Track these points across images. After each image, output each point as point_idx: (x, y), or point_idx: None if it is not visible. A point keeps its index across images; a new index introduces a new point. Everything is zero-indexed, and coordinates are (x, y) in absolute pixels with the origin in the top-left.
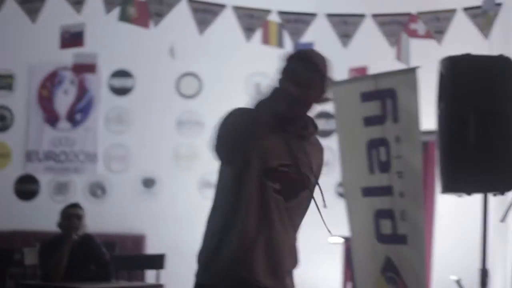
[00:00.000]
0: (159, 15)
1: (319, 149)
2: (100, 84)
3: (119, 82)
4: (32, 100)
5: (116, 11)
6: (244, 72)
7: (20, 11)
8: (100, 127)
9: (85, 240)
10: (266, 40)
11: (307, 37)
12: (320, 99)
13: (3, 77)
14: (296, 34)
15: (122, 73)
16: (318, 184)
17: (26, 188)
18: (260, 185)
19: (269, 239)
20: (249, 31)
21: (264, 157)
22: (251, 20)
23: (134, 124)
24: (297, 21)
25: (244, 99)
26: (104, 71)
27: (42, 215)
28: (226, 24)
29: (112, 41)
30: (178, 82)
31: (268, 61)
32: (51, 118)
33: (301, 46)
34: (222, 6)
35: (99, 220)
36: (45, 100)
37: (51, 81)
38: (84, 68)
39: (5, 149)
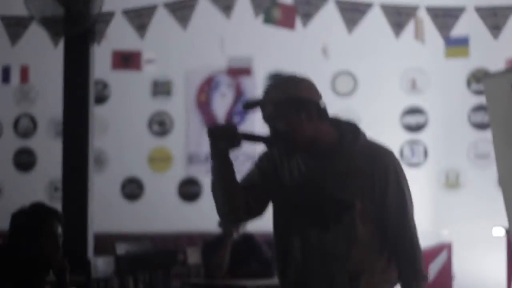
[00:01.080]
0: (308, 16)
1: (370, 161)
2: (256, 86)
3: None
4: (190, 105)
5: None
6: (399, 68)
7: (172, 18)
8: (257, 128)
9: (246, 239)
10: (417, 36)
11: (459, 31)
12: (297, 120)
13: (162, 83)
14: (445, 29)
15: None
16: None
17: (189, 190)
18: (285, 223)
19: (302, 275)
20: (398, 27)
21: (285, 196)
22: (399, 17)
23: None
24: (445, 15)
25: (400, 96)
26: (259, 73)
27: (206, 216)
28: (375, 21)
29: (265, 43)
30: (333, 81)
31: (422, 56)
32: (210, 121)
33: (453, 40)
34: (369, 5)
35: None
36: (203, 104)
37: (208, 85)
38: (240, 71)
39: (166, 153)
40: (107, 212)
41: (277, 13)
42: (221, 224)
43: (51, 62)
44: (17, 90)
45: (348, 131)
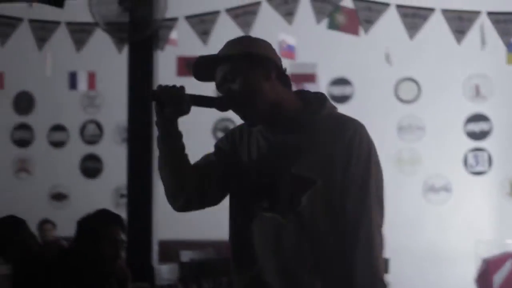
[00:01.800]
0: (369, 22)
1: (336, 132)
2: None
3: (339, 90)
4: None
5: (326, 20)
6: (462, 75)
7: (234, 25)
8: None
9: None
10: (480, 42)
11: None
12: (253, 79)
13: None
14: (507, 34)
15: (341, 81)
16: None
17: None
18: (243, 210)
19: (277, 265)
20: (459, 33)
21: (242, 176)
22: (461, 22)
23: None
24: (506, 21)
25: (463, 102)
26: (323, 80)
27: None
28: (437, 27)
29: (327, 50)
30: (396, 87)
31: (485, 62)
32: None
33: None
34: (431, 10)
35: None
36: None
37: None
38: (303, 78)
39: None
40: (171, 219)
41: (341, 19)
42: None
43: (117, 68)
44: (84, 96)
45: (314, 100)
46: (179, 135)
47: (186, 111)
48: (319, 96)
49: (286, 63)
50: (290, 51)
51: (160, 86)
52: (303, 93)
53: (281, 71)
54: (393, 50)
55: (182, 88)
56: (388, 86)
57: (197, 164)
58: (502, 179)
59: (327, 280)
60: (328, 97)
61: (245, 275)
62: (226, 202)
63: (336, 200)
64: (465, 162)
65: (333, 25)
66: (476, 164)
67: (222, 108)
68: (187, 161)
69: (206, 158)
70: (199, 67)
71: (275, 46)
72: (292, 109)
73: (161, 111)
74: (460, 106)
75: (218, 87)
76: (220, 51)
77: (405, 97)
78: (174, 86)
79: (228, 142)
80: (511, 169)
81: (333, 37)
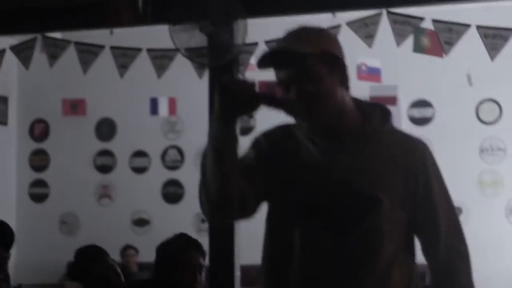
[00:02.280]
0: (449, 43)
1: (404, 149)
2: (400, 115)
3: (419, 112)
4: None
5: (408, 42)
6: None
7: None
8: None
9: None
10: None
11: None
12: (330, 83)
13: None
14: None
15: (421, 103)
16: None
17: None
18: (283, 224)
19: None
20: None
21: (288, 187)
22: None
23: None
24: None
25: None
26: (403, 102)
27: None
28: None
29: (408, 72)
30: (477, 108)
31: None
32: None
33: None
34: (511, 30)
35: None
36: None
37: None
38: (384, 100)
39: None
40: (254, 244)
41: (425, 41)
42: None
43: (197, 93)
44: (165, 121)
45: (375, 111)
46: (236, 141)
47: (253, 110)
48: (379, 106)
49: (366, 86)
50: (374, 74)
51: (229, 78)
52: (358, 102)
53: (348, 78)
54: (473, 71)
55: (253, 84)
56: (469, 108)
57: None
58: None
59: None
60: (408, 119)
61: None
62: None
63: (401, 221)
64: None
65: (418, 48)
66: None
67: (292, 113)
68: (237, 169)
69: (243, 161)
70: (266, 58)
71: (355, 69)
72: (354, 119)
73: (227, 104)
74: None
75: (283, 82)
76: (292, 43)
77: (486, 118)
78: (245, 81)
79: (270, 144)
80: None
81: (413, 60)
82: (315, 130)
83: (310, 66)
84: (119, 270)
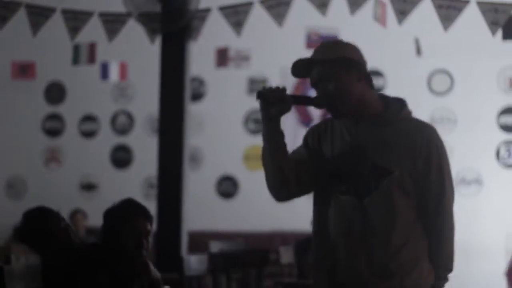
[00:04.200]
0: (403, 13)
1: (414, 132)
2: None
3: None
4: None
5: (361, 12)
6: (496, 67)
7: (267, 16)
8: None
9: None
10: None
11: None
12: (347, 80)
13: (257, 81)
14: None
15: (372, 73)
16: (417, 167)
17: None
18: (325, 195)
19: (347, 243)
20: (494, 25)
21: (326, 166)
22: (496, 14)
23: None
24: None
25: (497, 94)
26: None
27: (300, 215)
28: (472, 19)
29: (360, 41)
30: (429, 79)
31: None
32: (305, 120)
33: None
34: (465, 2)
35: None
36: None
37: (304, 84)
38: None
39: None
40: (201, 210)
41: (379, 11)
42: None
43: (149, 59)
44: (115, 87)
45: (394, 102)
46: (281, 133)
47: (288, 110)
48: (400, 99)
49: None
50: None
51: (264, 88)
52: (383, 96)
53: (367, 73)
54: (426, 41)
55: (284, 89)
56: (421, 78)
57: (291, 157)
58: None
59: (399, 254)
60: None
61: (321, 253)
62: (250, 194)
63: (409, 187)
64: (498, 154)
65: (376, 17)
66: (508, 157)
67: (319, 106)
68: (287, 154)
69: (297, 151)
70: (297, 67)
71: (305, 36)
72: (375, 109)
73: (266, 108)
74: (493, 98)
75: (313, 85)
76: (315, 54)
77: (437, 89)
78: (278, 88)
79: (315, 135)
80: None
81: (365, 29)
82: (344, 118)
83: (328, 69)
84: (71, 229)
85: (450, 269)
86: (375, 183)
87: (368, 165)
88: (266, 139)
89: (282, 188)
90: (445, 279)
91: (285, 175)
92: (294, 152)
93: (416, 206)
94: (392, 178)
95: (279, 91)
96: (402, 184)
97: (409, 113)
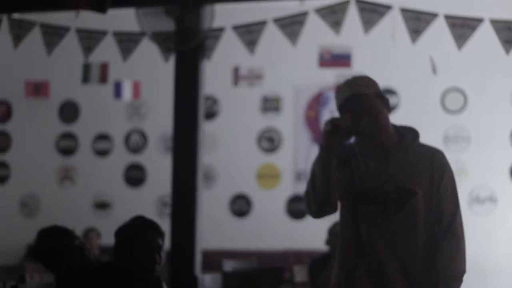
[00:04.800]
0: (417, 32)
1: (428, 157)
2: None
3: None
4: (299, 121)
5: (374, 30)
6: (509, 85)
7: (281, 34)
8: None
9: None
10: None
11: None
12: (380, 114)
13: (270, 100)
14: None
15: (386, 91)
16: (438, 189)
17: (297, 207)
18: (352, 212)
19: (372, 263)
20: (508, 44)
21: (350, 184)
22: (509, 33)
23: None
24: None
25: (511, 113)
26: None
27: (313, 234)
28: (485, 37)
29: (373, 59)
30: (442, 97)
31: None
32: (319, 138)
33: None
34: (479, 20)
35: None
36: (312, 120)
37: (317, 102)
38: None
39: (275, 170)
40: (215, 229)
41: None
42: (328, 242)
43: (162, 77)
44: (129, 105)
45: (408, 132)
46: (334, 158)
47: (349, 138)
48: (410, 127)
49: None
50: (342, 60)
51: (336, 118)
52: (395, 126)
53: None
54: (440, 60)
55: (351, 122)
56: (435, 96)
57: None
58: None
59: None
60: None
61: (352, 258)
62: (264, 212)
63: (431, 206)
64: (511, 172)
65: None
66: None
67: (366, 139)
68: (337, 179)
69: None
70: (343, 100)
71: (317, 55)
72: (393, 138)
73: (332, 136)
74: (506, 116)
75: (355, 118)
76: (357, 88)
77: (451, 107)
78: (346, 119)
79: (342, 159)
80: None
81: (378, 48)
82: (369, 147)
83: (372, 103)
84: (85, 247)
85: (465, 271)
86: (400, 204)
87: (394, 188)
88: (323, 163)
89: (327, 207)
90: (461, 281)
91: (333, 196)
92: None
93: (434, 220)
94: (416, 199)
95: (349, 123)
96: (424, 203)
97: (419, 139)
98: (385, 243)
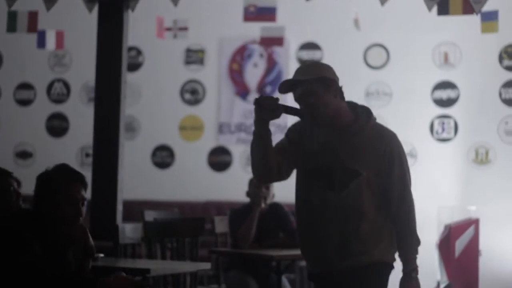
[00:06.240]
0: None
1: (379, 140)
2: (288, 57)
3: (308, 54)
4: (223, 74)
5: None
6: (431, 42)
7: None
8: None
9: (274, 209)
10: (450, 10)
11: (490, 5)
12: (325, 96)
13: (194, 51)
14: (479, 3)
15: (310, 46)
16: (381, 168)
17: (219, 159)
18: (306, 184)
19: (317, 231)
20: (430, 1)
21: (306, 161)
22: None
23: None
24: None
25: (432, 69)
26: (292, 44)
27: (235, 186)
28: None
29: (298, 14)
30: (365, 53)
31: (455, 30)
32: (242, 91)
33: (486, 15)
34: None
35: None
36: (236, 73)
37: (241, 55)
38: (272, 41)
39: (198, 122)
40: (137, 180)
41: None
42: (249, 193)
43: (86, 28)
44: (52, 55)
45: (363, 113)
46: (269, 132)
47: (277, 117)
48: (366, 108)
49: (255, 26)
50: (267, 13)
51: (261, 96)
52: (352, 105)
53: (341, 89)
54: (363, 16)
55: (277, 99)
56: (358, 52)
57: (276, 148)
58: (467, 146)
59: (362, 238)
60: (296, 61)
61: (305, 224)
62: (186, 164)
63: (375, 186)
64: (431, 128)
65: None
66: (442, 131)
67: (302, 118)
68: (272, 147)
69: (282, 144)
70: (284, 85)
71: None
72: (347, 119)
73: (260, 113)
74: (428, 73)
75: (297, 100)
76: (298, 74)
77: (373, 63)
78: (272, 97)
79: (297, 133)
80: (476, 137)
81: (302, 2)
82: (319, 126)
83: (310, 87)
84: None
85: (419, 242)
86: (345, 183)
87: (340, 167)
88: (256, 136)
89: (265, 173)
90: (417, 252)
91: (268, 164)
92: (278, 144)
93: (381, 200)
94: (360, 179)
95: (273, 101)
96: (369, 184)
97: (375, 120)
98: (330, 213)
